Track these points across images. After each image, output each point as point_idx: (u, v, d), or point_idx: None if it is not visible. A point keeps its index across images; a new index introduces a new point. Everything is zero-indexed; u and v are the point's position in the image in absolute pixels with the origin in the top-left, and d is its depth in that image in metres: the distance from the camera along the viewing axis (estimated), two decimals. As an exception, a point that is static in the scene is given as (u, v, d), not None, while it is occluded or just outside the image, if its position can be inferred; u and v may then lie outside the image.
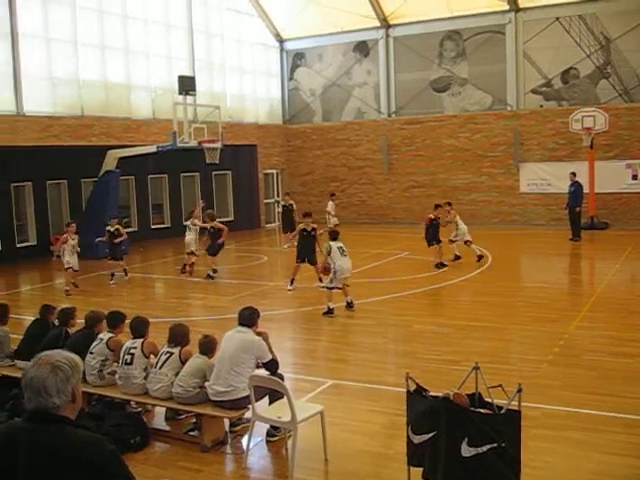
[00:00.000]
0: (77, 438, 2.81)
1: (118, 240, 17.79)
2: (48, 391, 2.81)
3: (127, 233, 21.09)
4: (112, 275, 17.48)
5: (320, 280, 15.29)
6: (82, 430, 2.86)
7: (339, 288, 13.27)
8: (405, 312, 13.28)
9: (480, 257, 18.35)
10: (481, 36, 28.08)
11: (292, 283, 15.74)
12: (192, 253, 18.36)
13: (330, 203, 24.70)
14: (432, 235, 17.96)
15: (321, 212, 24.92)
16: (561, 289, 15.81)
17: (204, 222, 18.85)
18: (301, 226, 16.12)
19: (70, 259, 16.48)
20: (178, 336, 7.64)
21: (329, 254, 13.35)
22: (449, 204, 19.31)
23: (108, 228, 17.94)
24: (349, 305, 13.51)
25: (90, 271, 18.91)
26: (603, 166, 25.06)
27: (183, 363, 7.46)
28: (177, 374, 7.39)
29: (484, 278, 16.56)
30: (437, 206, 18.63)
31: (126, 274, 17.96)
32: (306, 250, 15.76)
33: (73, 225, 17.03)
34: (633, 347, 10.19)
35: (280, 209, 22.85)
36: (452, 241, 18.67)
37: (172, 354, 7.53)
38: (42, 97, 22.05)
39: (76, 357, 2.98)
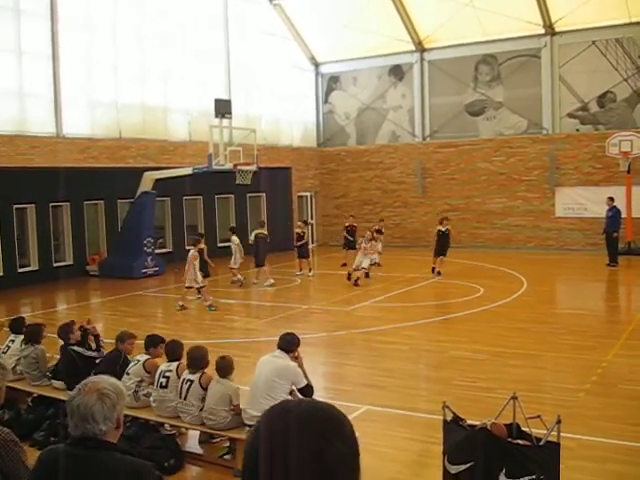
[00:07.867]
0: (125, 464, 2.84)
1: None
2: (95, 418, 2.84)
3: (161, 254, 21.36)
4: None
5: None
6: (129, 456, 2.89)
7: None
8: (439, 337, 13.17)
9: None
10: (516, 60, 27.97)
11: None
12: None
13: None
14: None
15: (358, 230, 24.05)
16: (599, 316, 15.55)
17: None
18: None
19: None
20: (197, 359, 7.51)
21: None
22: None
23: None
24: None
25: (127, 291, 19.12)
26: (641, 191, 24.70)
27: (204, 389, 7.41)
28: (203, 399, 7.36)
29: (519, 304, 16.35)
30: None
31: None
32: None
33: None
34: (674, 377, 9.97)
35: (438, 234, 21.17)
36: None
37: (192, 382, 7.44)
38: (81, 119, 22.46)
39: (120, 384, 3.02)
